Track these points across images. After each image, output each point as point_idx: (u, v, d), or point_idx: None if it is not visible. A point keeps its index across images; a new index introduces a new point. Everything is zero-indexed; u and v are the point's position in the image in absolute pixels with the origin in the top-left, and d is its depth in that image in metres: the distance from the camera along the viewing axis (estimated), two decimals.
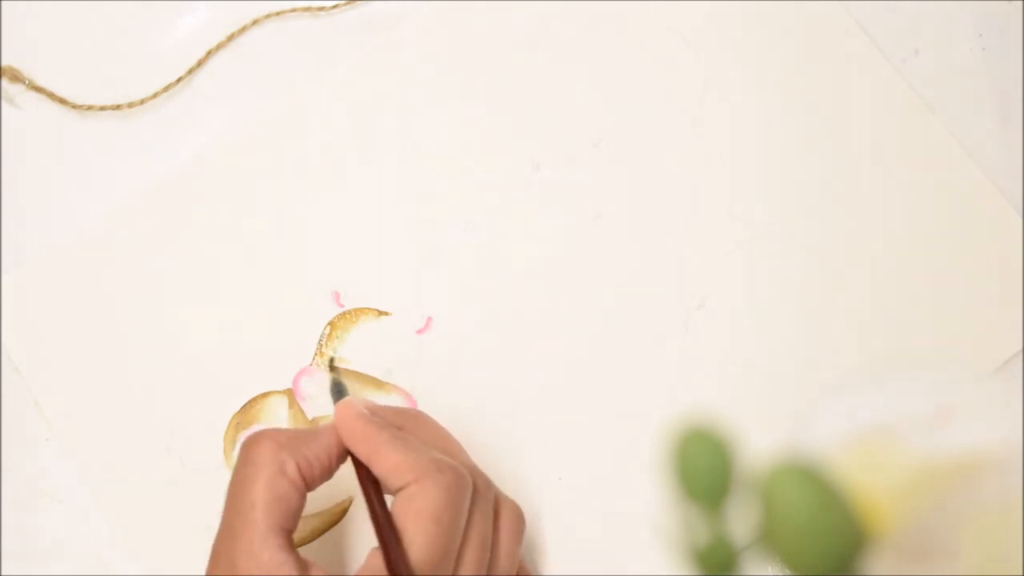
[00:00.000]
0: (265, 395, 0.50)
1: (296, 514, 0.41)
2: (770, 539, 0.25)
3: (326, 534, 0.48)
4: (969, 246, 0.50)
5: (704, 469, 0.26)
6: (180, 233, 0.52)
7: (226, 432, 0.50)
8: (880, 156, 0.52)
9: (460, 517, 0.40)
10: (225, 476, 0.49)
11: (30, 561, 0.49)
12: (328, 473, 0.42)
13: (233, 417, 0.50)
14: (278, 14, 0.54)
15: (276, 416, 0.50)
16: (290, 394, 0.50)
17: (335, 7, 0.54)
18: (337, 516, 0.48)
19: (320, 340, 0.51)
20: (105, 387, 0.50)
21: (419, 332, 0.51)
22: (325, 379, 0.50)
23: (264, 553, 0.39)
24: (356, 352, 0.50)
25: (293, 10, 0.54)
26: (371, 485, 0.42)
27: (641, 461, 0.48)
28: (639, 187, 0.52)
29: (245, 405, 0.50)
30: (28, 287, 0.52)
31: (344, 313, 0.51)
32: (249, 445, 0.41)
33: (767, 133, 0.52)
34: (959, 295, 0.50)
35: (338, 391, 0.47)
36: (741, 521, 0.27)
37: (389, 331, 0.51)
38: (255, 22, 0.54)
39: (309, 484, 0.41)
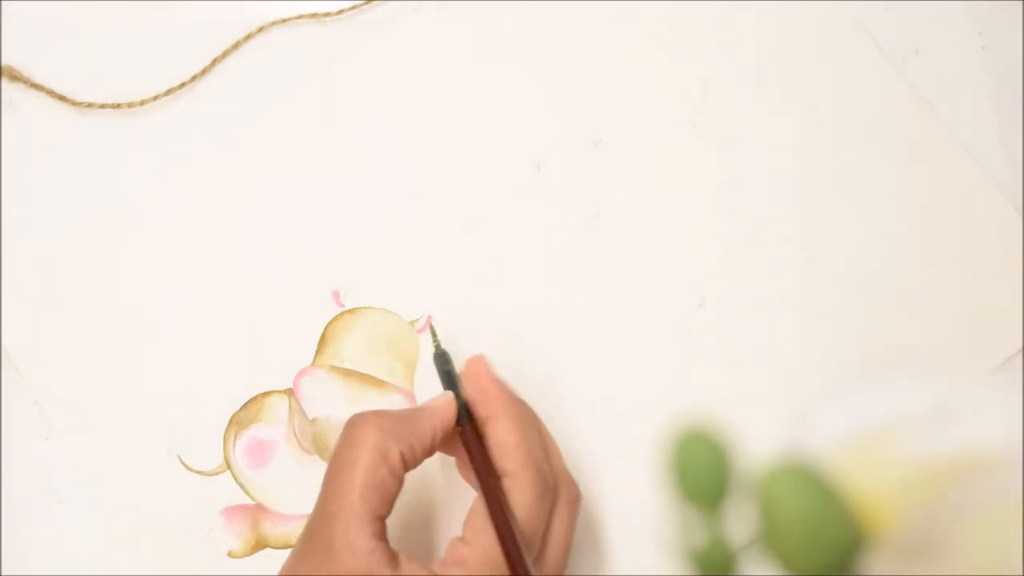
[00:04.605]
0: (265, 395, 0.50)
1: (392, 501, 0.41)
2: (768, 540, 0.25)
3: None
4: (969, 246, 0.50)
5: (702, 470, 0.26)
6: (180, 233, 0.52)
7: (226, 432, 0.50)
8: (880, 156, 0.52)
9: (543, 520, 0.41)
10: (225, 476, 0.50)
11: (30, 561, 0.49)
12: (428, 454, 0.42)
13: (233, 417, 0.50)
14: (284, 21, 0.54)
15: (276, 416, 0.50)
16: (290, 394, 0.50)
17: (340, 13, 0.54)
18: None
19: (320, 340, 0.51)
20: (105, 387, 0.50)
21: (419, 332, 0.51)
22: (432, 342, 0.47)
23: (359, 539, 0.39)
24: (356, 352, 0.50)
25: (299, 16, 0.54)
26: (488, 472, 0.41)
27: (640, 461, 0.48)
28: (639, 187, 0.52)
29: (245, 405, 0.50)
30: (28, 287, 0.52)
31: (344, 313, 0.51)
32: (353, 427, 0.41)
33: (767, 133, 0.52)
34: (959, 295, 0.50)
35: (444, 362, 0.46)
36: (739, 522, 0.27)
37: (389, 331, 0.51)
38: (261, 29, 0.54)
39: (409, 467, 0.41)
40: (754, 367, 0.50)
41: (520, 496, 0.40)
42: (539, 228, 0.52)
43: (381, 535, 0.40)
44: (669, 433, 0.27)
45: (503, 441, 0.41)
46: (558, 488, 0.42)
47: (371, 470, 0.40)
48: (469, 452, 0.42)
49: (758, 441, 0.27)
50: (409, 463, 0.41)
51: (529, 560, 0.38)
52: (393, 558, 0.40)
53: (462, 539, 0.40)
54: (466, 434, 0.42)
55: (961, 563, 0.25)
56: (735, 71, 0.53)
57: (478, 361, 0.43)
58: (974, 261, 0.50)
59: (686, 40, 0.53)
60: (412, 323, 0.51)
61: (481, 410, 0.42)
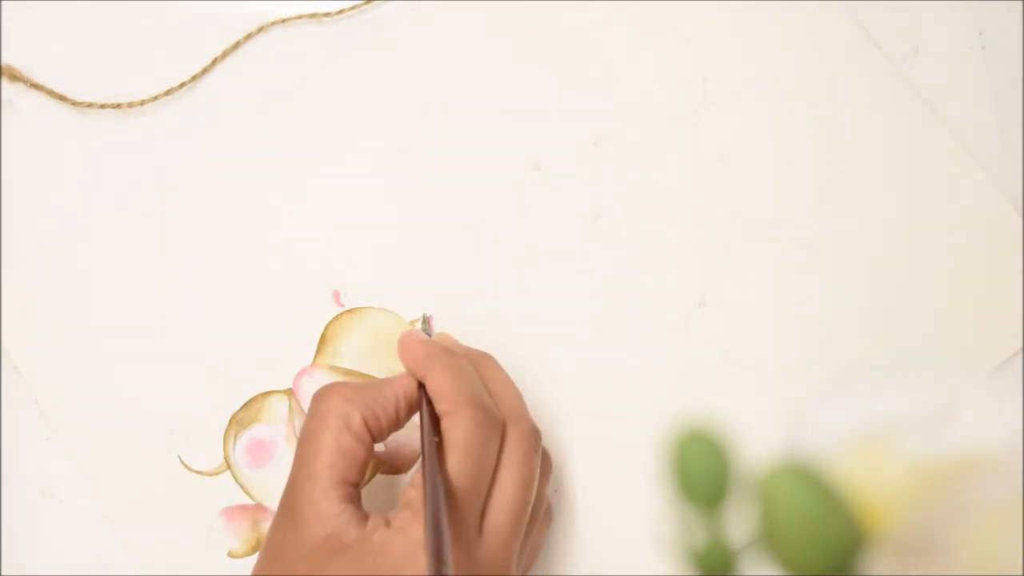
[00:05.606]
0: (265, 395, 0.50)
1: (361, 467, 0.41)
2: (768, 540, 0.25)
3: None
4: (969, 246, 0.50)
5: (702, 471, 0.26)
6: (180, 233, 0.52)
7: (226, 432, 0.50)
8: (880, 156, 0.52)
9: (487, 453, 0.41)
10: (225, 476, 0.50)
11: (30, 561, 0.49)
12: (396, 425, 0.43)
13: (233, 417, 0.50)
14: (284, 21, 0.54)
15: (276, 416, 0.50)
16: (290, 394, 0.50)
17: (340, 13, 0.54)
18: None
19: (320, 340, 0.51)
20: (105, 387, 0.50)
21: None
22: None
23: (324, 503, 0.40)
24: (356, 352, 0.50)
25: (299, 16, 0.54)
26: (429, 420, 0.42)
27: (640, 462, 0.48)
28: (639, 187, 0.52)
29: (245, 405, 0.50)
30: (28, 287, 0.52)
31: (344, 313, 0.51)
32: (317, 399, 0.42)
33: (767, 133, 0.52)
34: (959, 295, 0.50)
35: None
36: (739, 522, 0.27)
37: (389, 331, 0.51)
38: (261, 29, 0.54)
39: (376, 436, 0.42)
40: (754, 367, 0.50)
41: (456, 431, 0.41)
42: (539, 228, 0.52)
43: (350, 499, 0.41)
44: (669, 433, 0.27)
45: (436, 389, 0.42)
46: (507, 424, 0.42)
47: (336, 437, 0.41)
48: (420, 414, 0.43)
49: (758, 441, 0.27)
50: (374, 430, 0.42)
51: (441, 496, 0.39)
52: (363, 519, 0.40)
53: (411, 483, 0.41)
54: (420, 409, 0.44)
55: (961, 563, 0.25)
56: (735, 71, 0.53)
57: (406, 335, 0.45)
58: (974, 261, 0.50)
59: (686, 40, 0.53)
60: (412, 323, 0.51)
61: (417, 372, 0.43)
